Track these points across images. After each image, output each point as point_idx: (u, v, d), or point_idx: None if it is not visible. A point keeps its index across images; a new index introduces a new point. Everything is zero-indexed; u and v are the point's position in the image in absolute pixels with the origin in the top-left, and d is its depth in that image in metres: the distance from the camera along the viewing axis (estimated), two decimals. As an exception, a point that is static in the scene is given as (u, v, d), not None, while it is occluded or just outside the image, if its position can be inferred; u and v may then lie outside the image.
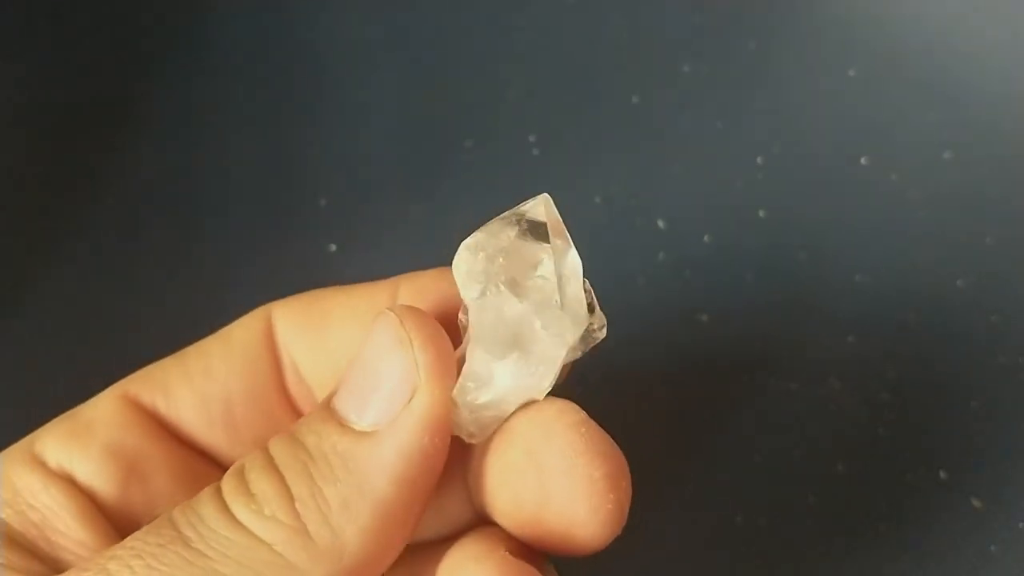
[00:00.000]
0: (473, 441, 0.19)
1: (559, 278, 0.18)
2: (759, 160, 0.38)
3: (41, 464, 0.21)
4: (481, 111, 0.39)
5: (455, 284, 0.19)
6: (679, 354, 0.34)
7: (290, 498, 0.17)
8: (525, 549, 0.19)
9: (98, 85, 0.41)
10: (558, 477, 0.18)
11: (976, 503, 0.31)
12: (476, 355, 0.19)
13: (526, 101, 0.40)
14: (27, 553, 0.19)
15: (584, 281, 0.19)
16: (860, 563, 0.30)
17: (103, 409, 0.21)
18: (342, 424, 0.18)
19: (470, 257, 0.18)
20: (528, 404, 0.19)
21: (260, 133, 0.39)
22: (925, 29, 0.41)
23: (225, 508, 0.18)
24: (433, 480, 0.18)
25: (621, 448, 0.19)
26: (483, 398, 0.19)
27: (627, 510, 0.18)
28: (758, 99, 0.40)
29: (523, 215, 0.19)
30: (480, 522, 0.21)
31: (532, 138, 0.38)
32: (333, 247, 0.36)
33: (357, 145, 0.39)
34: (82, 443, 0.21)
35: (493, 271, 0.18)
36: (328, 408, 0.18)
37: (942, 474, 0.31)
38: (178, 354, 0.22)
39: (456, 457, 0.20)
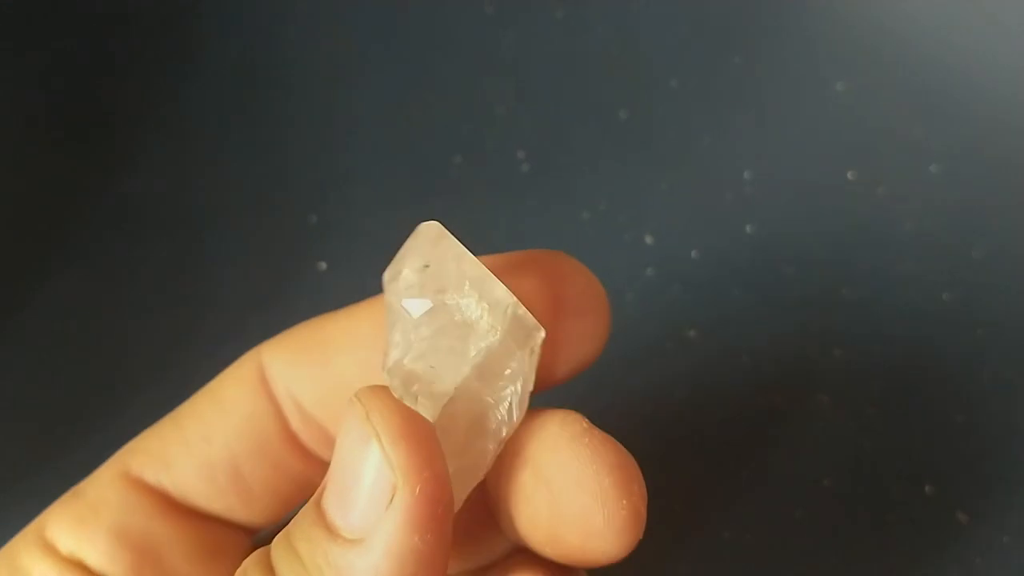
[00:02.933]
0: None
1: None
2: (746, 175, 0.38)
3: (54, 551, 0.20)
4: (469, 127, 0.40)
5: None
6: (667, 370, 0.34)
7: None
8: (557, 567, 0.19)
9: (85, 106, 0.41)
10: (568, 491, 0.18)
11: (962, 517, 0.31)
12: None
13: (514, 117, 0.40)
14: None
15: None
16: (846, 577, 0.30)
17: (107, 490, 0.21)
18: (330, 530, 0.17)
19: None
20: (531, 417, 0.19)
21: (249, 150, 0.39)
22: (912, 43, 0.41)
23: None
24: (440, 570, 0.17)
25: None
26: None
27: (644, 514, 0.18)
28: (745, 113, 0.40)
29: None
30: (517, 550, 0.21)
31: (520, 154, 0.39)
32: (323, 265, 0.36)
33: (346, 162, 0.39)
34: (90, 529, 0.20)
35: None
36: (318, 508, 0.17)
37: (928, 488, 0.31)
38: (173, 419, 0.22)
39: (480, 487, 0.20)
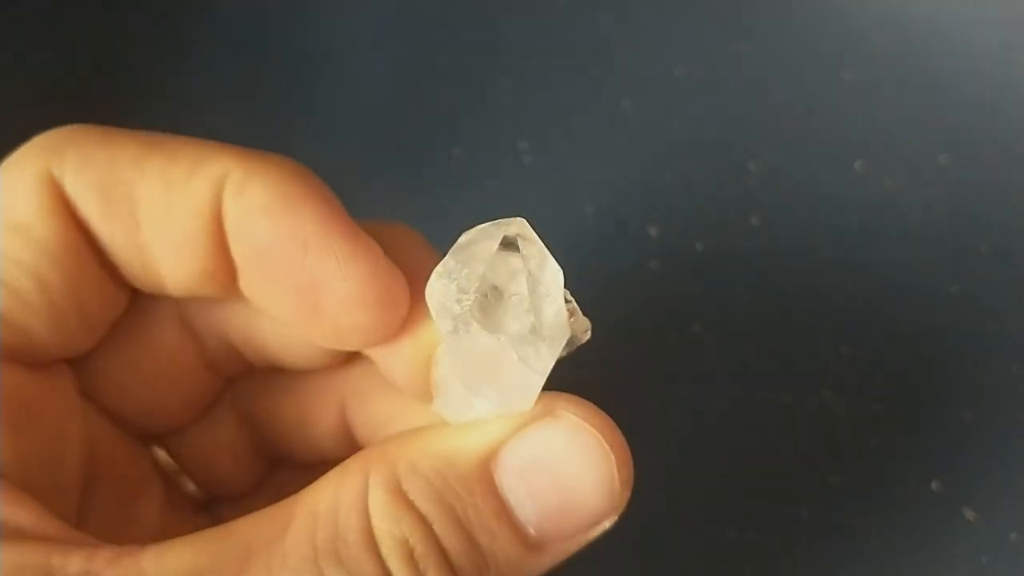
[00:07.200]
0: None
1: (536, 298, 0.18)
2: (752, 166, 0.37)
3: None
4: (470, 118, 0.39)
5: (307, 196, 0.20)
6: (671, 364, 0.33)
7: None
8: None
9: (83, 98, 0.40)
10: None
11: (969, 514, 0.30)
12: (454, 386, 0.18)
13: (516, 107, 0.39)
14: None
15: (564, 292, 0.18)
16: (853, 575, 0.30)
17: None
18: (519, 534, 0.17)
19: (441, 289, 0.17)
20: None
21: (247, 145, 0.39)
22: (920, 33, 0.41)
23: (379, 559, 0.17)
24: None
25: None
26: (464, 419, 0.19)
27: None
28: (750, 103, 0.39)
29: (498, 230, 0.18)
30: None
31: (523, 145, 0.38)
32: (323, 258, 0.36)
33: (344, 155, 0.38)
34: None
35: (463, 308, 0.17)
36: (498, 498, 0.17)
37: (934, 485, 0.31)
38: None
39: None
